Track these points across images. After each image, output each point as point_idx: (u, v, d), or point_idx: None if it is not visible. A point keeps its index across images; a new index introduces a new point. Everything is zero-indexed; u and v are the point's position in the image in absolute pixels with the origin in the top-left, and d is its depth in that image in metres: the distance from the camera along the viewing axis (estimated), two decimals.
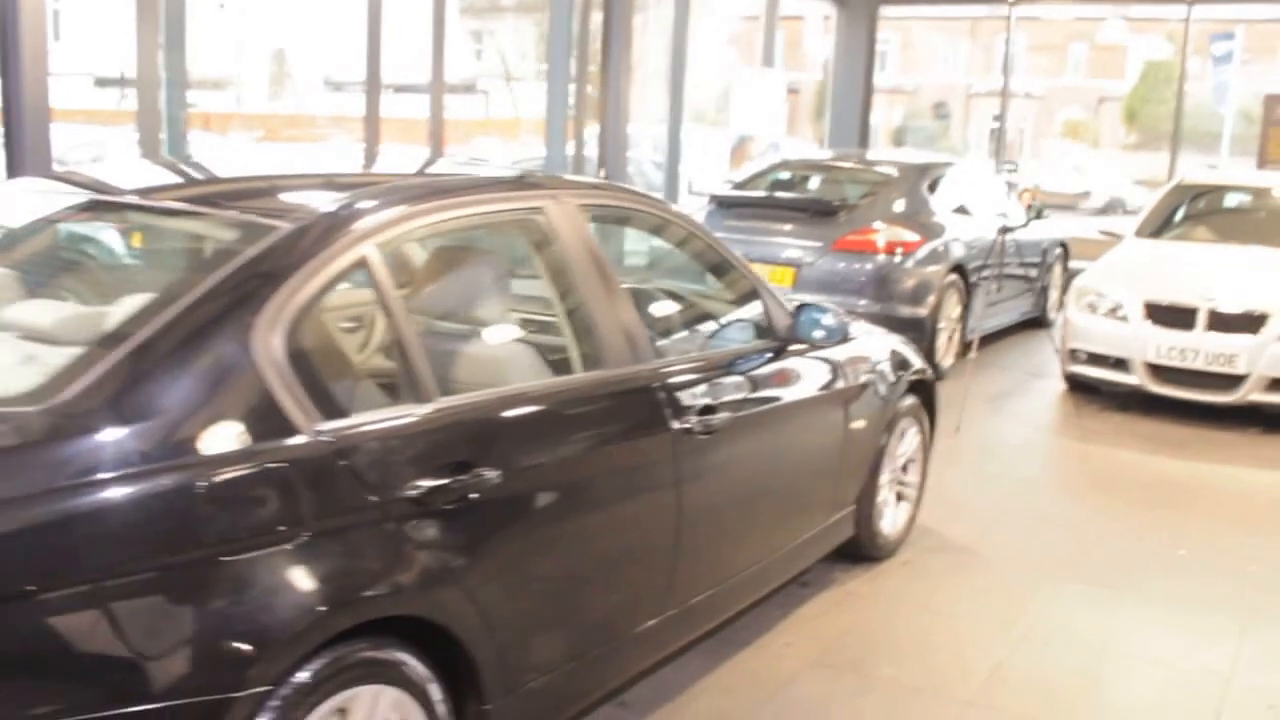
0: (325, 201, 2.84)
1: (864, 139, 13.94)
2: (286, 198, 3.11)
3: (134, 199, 3.17)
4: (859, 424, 4.48)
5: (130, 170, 3.69)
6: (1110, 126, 41.69)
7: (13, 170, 6.09)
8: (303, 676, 2.37)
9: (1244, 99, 26.04)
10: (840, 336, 4.18)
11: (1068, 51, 43.01)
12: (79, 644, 2.11)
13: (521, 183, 3.55)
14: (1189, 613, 4.66)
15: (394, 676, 2.58)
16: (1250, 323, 7.39)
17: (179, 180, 3.49)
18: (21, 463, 2.13)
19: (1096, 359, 7.88)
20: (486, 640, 2.77)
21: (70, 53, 16.73)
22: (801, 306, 4.16)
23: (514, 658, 2.89)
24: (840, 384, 4.36)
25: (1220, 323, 7.44)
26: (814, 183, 9.69)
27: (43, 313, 2.82)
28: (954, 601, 4.68)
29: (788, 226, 8.37)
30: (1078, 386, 8.18)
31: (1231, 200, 9.65)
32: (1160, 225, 9.13)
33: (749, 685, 3.89)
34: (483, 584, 2.75)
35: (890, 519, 4.95)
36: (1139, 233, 9.00)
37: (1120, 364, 7.74)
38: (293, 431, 2.44)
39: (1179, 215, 9.32)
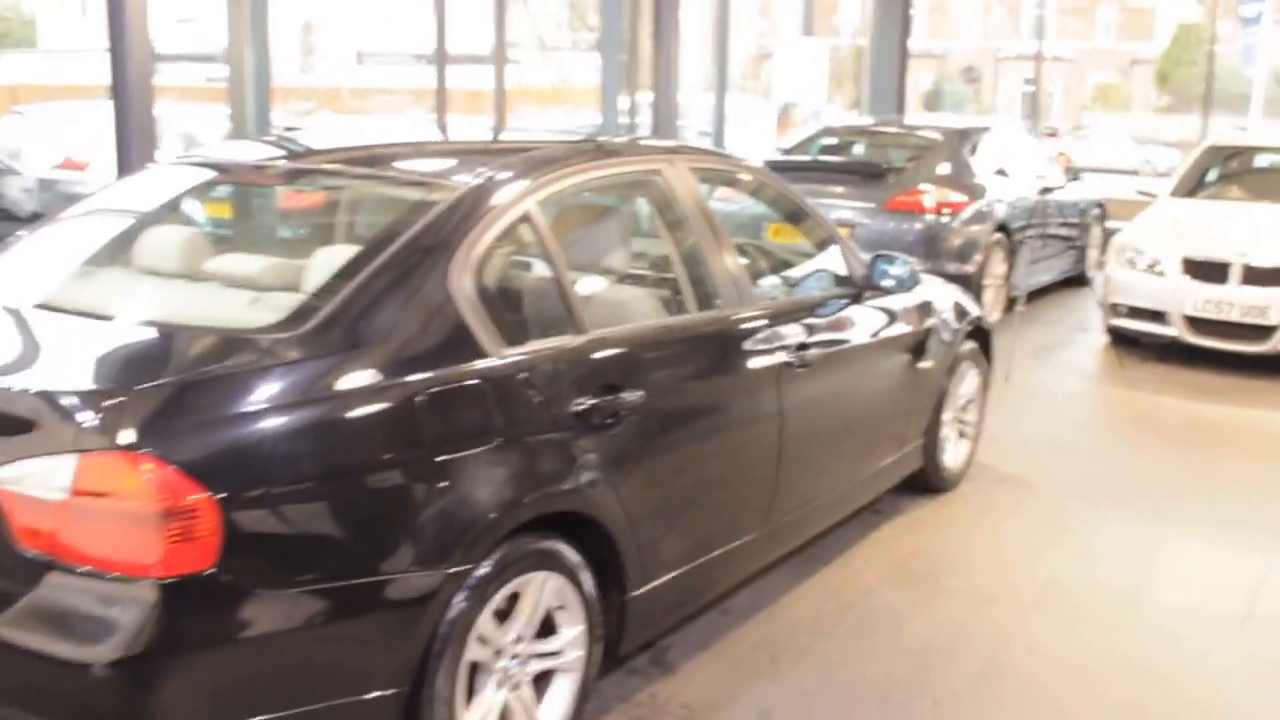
0: (489, 165, 3.33)
1: (901, 104, 14.31)
2: (446, 163, 3.60)
3: (324, 165, 3.69)
4: (926, 365, 4.95)
5: (271, 146, 4.19)
6: (1142, 89, 41.71)
7: (123, 146, 6.56)
8: (493, 561, 2.87)
9: (1274, 60, 26.19)
10: (911, 284, 4.64)
11: (1096, 14, 43.01)
12: (331, 524, 2.61)
13: (643, 148, 4.04)
14: (1223, 534, 5.13)
15: (556, 564, 3.08)
16: None
17: (339, 148, 3.97)
18: (282, 378, 2.61)
19: (1137, 312, 8.31)
20: (630, 536, 3.27)
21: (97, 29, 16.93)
22: (876, 256, 4.63)
23: (648, 555, 3.38)
24: (911, 328, 4.83)
25: (1253, 277, 7.87)
26: (859, 148, 10.12)
27: (242, 264, 3.34)
28: (1012, 526, 5.16)
29: (839, 189, 8.81)
30: (1119, 339, 8.62)
31: (1262, 161, 10.03)
32: (1194, 185, 9.52)
33: (834, 595, 4.39)
34: (627, 489, 3.24)
35: (953, 454, 5.43)
36: (1174, 193, 9.41)
37: (1158, 317, 8.18)
38: (484, 355, 2.94)
39: (1211, 176, 9.72)
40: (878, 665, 3.88)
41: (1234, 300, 7.90)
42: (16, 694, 2.46)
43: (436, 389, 2.81)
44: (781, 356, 3.91)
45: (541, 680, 3.15)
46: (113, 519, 2.38)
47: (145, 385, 2.50)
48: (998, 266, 9.05)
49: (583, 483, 3.10)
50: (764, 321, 3.90)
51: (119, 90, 6.30)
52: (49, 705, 2.44)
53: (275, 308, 2.89)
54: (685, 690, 3.65)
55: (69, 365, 2.73)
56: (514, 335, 3.08)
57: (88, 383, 2.59)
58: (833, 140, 10.22)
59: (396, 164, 3.69)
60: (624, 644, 3.41)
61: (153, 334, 2.89)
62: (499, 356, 2.97)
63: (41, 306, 3.06)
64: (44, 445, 2.41)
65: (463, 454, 2.82)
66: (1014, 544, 4.98)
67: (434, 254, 2.97)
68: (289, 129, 8.43)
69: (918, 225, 8.58)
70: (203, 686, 2.45)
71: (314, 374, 2.65)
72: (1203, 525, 5.24)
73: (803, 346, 4.01)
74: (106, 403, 2.42)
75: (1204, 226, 8.54)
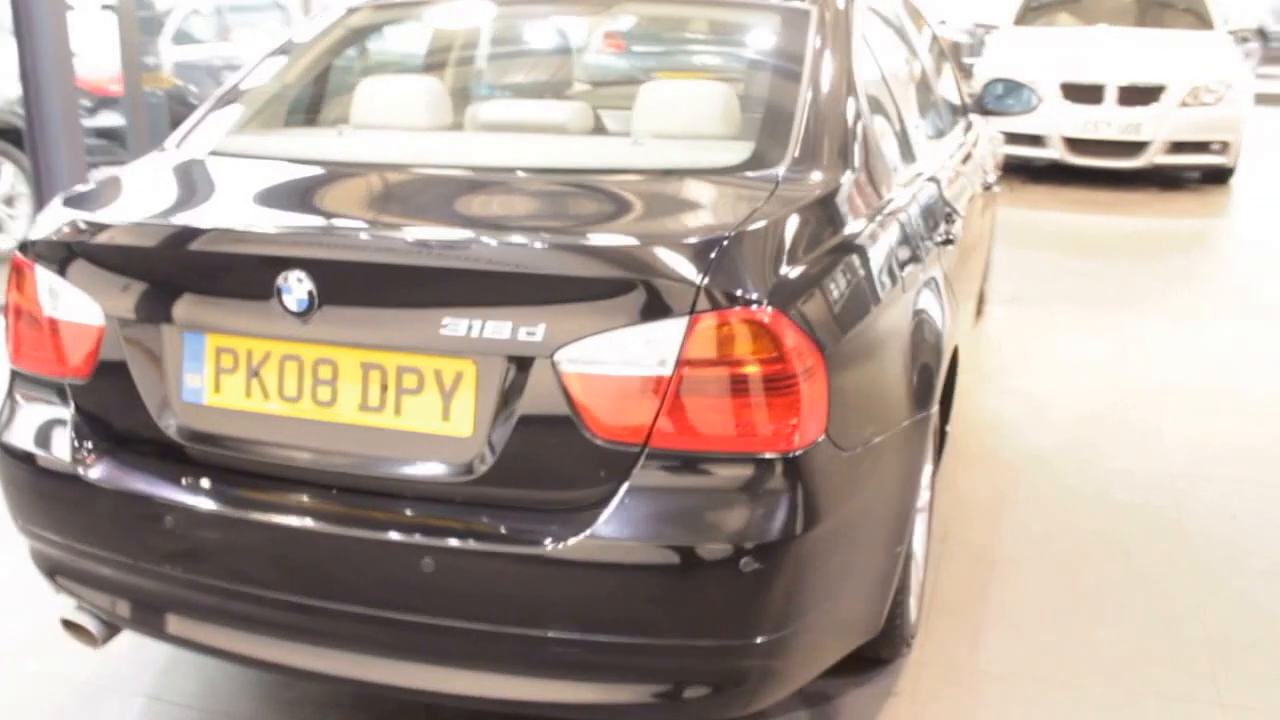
0: None
1: None
2: None
3: None
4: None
5: None
6: None
7: None
8: None
9: None
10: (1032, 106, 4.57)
11: None
12: (883, 368, 2.33)
13: None
14: (1103, 312, 5.73)
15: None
16: (1151, 94, 8.32)
17: None
18: (816, 216, 2.25)
19: (1016, 138, 8.64)
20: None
21: None
22: (990, 82, 4.55)
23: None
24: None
25: (1127, 97, 8.34)
26: None
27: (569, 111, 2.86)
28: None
29: None
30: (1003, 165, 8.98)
31: None
32: (1024, 14, 9.93)
33: None
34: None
35: None
36: (1016, 22, 9.78)
37: (1038, 140, 8.55)
38: (891, 179, 2.68)
39: (1034, 3, 10.14)
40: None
41: (1110, 120, 8.35)
42: (618, 616, 2.03)
43: (902, 214, 2.58)
44: (982, 178, 3.84)
45: None
46: (735, 390, 1.96)
47: (731, 233, 2.02)
48: None
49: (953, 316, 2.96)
50: (978, 147, 3.83)
51: None
52: (665, 619, 2.03)
53: (717, 149, 2.51)
54: None
55: (596, 220, 2.28)
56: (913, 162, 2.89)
57: (659, 235, 2.12)
58: None
59: None
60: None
61: (641, 181, 2.38)
62: (900, 181, 2.74)
63: (484, 168, 2.53)
64: (624, 313, 1.94)
65: (922, 281, 2.61)
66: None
67: (840, 72, 2.63)
68: None
69: None
70: (829, 566, 2.12)
71: (834, 209, 2.30)
72: (1091, 309, 5.78)
73: (985, 171, 3.95)
74: (705, 255, 1.97)
75: (1074, 52, 8.94)
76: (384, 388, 2.08)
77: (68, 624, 2.44)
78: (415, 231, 2.16)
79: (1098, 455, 4.03)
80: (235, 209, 2.45)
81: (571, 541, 1.97)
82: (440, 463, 2.07)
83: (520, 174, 2.48)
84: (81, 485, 2.28)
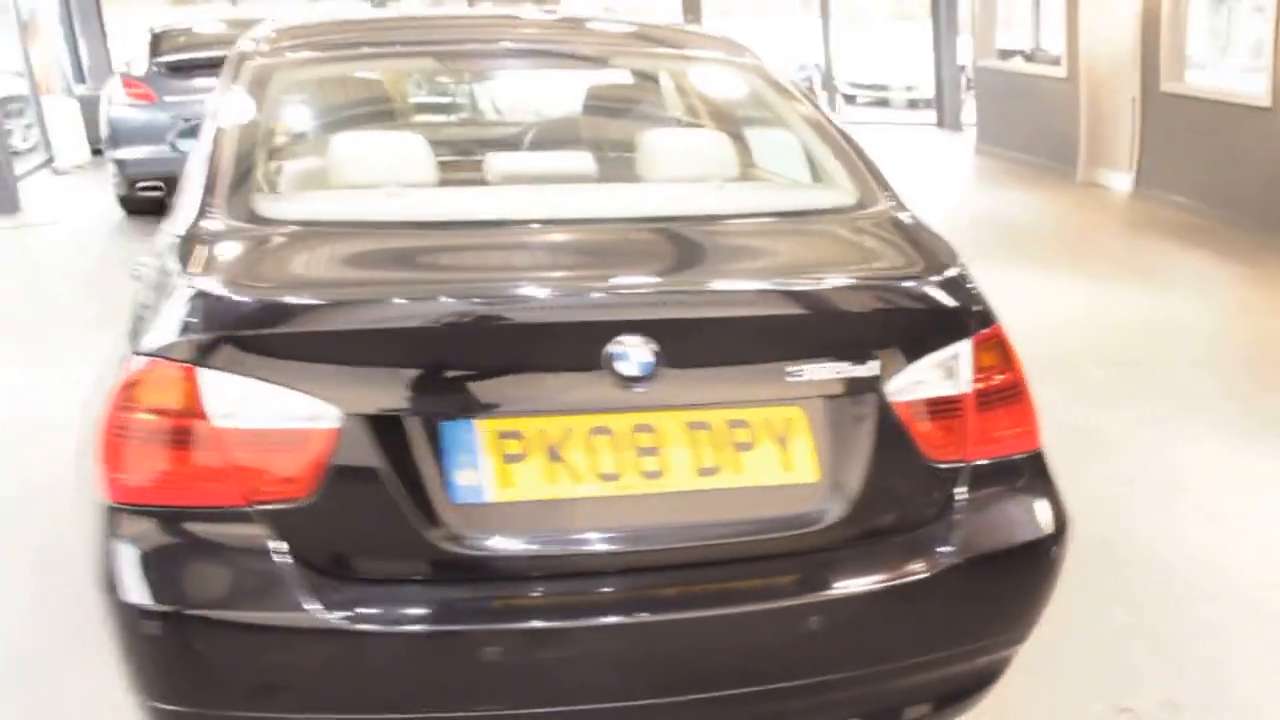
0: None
1: None
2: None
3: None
4: None
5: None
6: None
7: None
8: None
9: None
10: None
11: None
12: None
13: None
14: None
15: None
16: None
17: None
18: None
19: None
20: None
21: None
22: None
23: None
24: None
25: None
26: None
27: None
28: None
29: None
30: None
31: None
32: None
33: None
34: None
35: None
36: None
37: None
38: None
39: None
40: None
41: None
42: (964, 626, 2.24)
43: None
44: None
45: None
46: (1004, 399, 2.25)
47: (961, 260, 2.33)
48: None
49: None
50: None
51: None
52: (996, 621, 2.25)
53: (820, 191, 2.76)
54: None
55: (863, 258, 2.47)
56: None
57: (926, 267, 2.33)
58: None
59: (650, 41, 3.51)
60: None
61: (820, 221, 2.55)
62: None
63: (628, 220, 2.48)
64: (930, 340, 2.17)
65: None
66: None
67: (828, 116, 2.95)
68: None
69: None
70: None
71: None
72: None
73: None
74: (965, 282, 2.27)
75: None
76: (717, 447, 2.05)
77: None
78: (749, 283, 2.22)
79: None
80: (501, 277, 2.21)
81: (944, 562, 2.14)
82: (794, 513, 2.10)
83: (687, 223, 2.46)
84: (325, 637, 1.93)
